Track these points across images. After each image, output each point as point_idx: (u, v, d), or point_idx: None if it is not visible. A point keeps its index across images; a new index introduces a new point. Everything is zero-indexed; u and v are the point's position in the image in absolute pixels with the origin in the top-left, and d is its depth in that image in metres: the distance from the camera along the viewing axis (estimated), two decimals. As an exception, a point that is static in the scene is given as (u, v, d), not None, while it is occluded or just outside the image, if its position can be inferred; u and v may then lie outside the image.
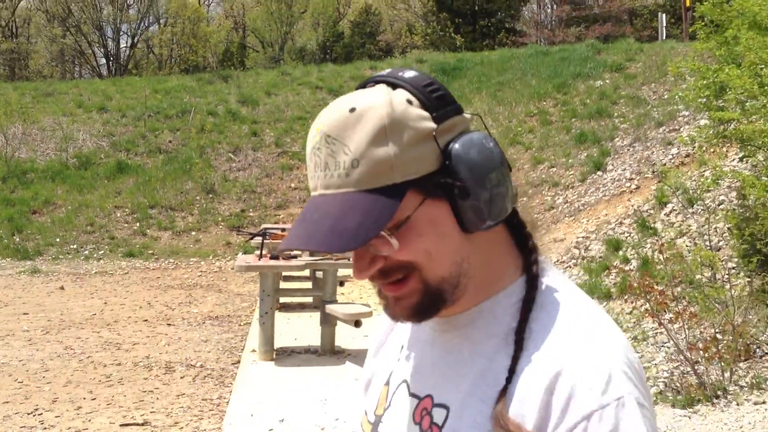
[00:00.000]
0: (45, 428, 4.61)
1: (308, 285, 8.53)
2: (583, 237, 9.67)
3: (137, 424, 4.68)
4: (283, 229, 8.02)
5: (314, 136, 0.87)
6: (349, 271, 9.46)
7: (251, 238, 8.24)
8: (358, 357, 6.41)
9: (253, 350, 6.58)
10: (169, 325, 7.93)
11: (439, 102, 0.87)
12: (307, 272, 8.30)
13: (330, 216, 0.82)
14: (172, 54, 42.36)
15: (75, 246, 13.38)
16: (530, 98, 16.16)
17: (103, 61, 43.54)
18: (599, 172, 11.90)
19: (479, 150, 0.86)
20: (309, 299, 8.64)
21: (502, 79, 17.62)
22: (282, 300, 8.52)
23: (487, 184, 0.86)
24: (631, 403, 0.81)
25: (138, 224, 13.99)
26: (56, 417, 4.83)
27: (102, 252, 13.17)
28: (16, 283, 10.75)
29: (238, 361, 6.41)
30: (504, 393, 0.85)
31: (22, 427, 4.63)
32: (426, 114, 0.85)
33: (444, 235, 0.87)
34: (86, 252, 13.17)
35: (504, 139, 14.87)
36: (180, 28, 40.18)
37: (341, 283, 9.60)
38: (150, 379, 5.76)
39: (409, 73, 0.89)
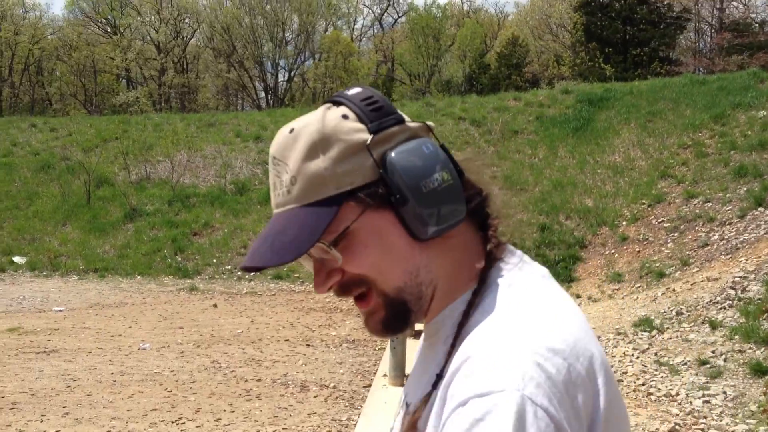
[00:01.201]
0: (188, 435, 4.98)
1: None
2: (740, 277, 9.04)
3: (270, 438, 4.94)
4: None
5: (269, 162, 0.90)
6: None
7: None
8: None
9: (385, 375, 6.71)
10: (308, 345, 8.26)
11: (374, 114, 0.87)
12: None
13: (273, 233, 0.85)
14: (325, 87, 44.30)
15: (229, 267, 14.23)
16: (684, 129, 15.42)
17: (263, 94, 46.39)
18: (760, 208, 11.14)
19: (415, 156, 0.86)
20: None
21: (653, 109, 16.94)
22: (417, 327, 8.61)
23: (424, 189, 0.84)
24: (515, 396, 0.73)
25: (285, 248, 14.66)
26: (197, 427, 5.18)
27: (253, 274, 13.90)
28: (175, 300, 11.60)
29: (370, 385, 6.56)
30: (427, 398, 0.86)
31: (167, 432, 5.03)
32: (361, 126, 0.86)
33: (391, 245, 0.86)
34: (239, 273, 13.96)
35: (654, 171, 14.29)
36: (332, 63, 41.96)
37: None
38: (285, 396, 6.04)
39: (352, 90, 0.90)
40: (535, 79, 30.01)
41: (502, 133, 18.02)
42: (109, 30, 45.90)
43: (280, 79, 46.70)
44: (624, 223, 12.93)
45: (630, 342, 7.89)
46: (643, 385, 6.42)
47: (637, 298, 9.96)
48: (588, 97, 18.58)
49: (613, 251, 12.27)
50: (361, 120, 0.87)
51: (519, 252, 0.96)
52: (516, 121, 18.49)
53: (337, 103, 0.89)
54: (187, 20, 45.38)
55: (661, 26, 27.56)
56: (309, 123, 0.87)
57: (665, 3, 27.85)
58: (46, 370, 6.88)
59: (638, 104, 17.52)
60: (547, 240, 13.15)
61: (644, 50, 26.65)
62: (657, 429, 5.20)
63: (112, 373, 6.75)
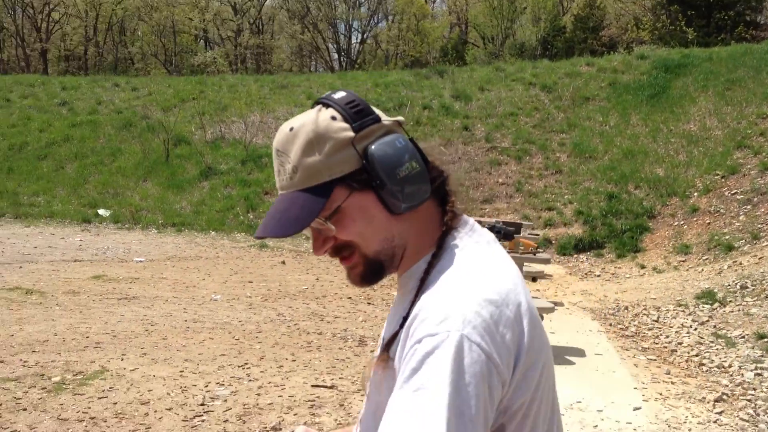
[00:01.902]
0: (250, 380, 5.34)
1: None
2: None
3: (326, 387, 5.25)
4: (480, 222, 8.21)
5: (273, 152, 1.15)
6: (542, 267, 9.52)
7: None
8: (540, 351, 6.54)
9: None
10: (369, 303, 8.58)
11: (357, 115, 1.11)
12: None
13: (279, 210, 1.10)
14: (398, 49, 44.18)
15: (297, 226, 14.68)
16: (764, 98, 14.90)
17: (336, 55, 46.65)
18: (837, 182, 10.80)
19: (389, 150, 1.09)
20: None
21: (733, 77, 16.38)
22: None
23: (398, 175, 1.09)
24: (455, 336, 0.96)
25: (352, 209, 15.01)
26: (261, 372, 5.56)
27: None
28: (246, 255, 12.11)
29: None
30: (394, 337, 1.11)
31: (231, 377, 5.40)
32: (346, 126, 1.10)
33: (372, 218, 1.12)
34: (307, 232, 14.39)
35: (729, 141, 13.91)
36: (406, 25, 41.74)
37: (533, 279, 9.68)
38: (344, 349, 6.36)
39: (338, 95, 1.14)
40: (612, 43, 29.14)
41: (572, 100, 17.77)
42: (188, -9, 46.82)
43: (353, 40, 46.89)
44: (695, 194, 12.70)
45: (690, 314, 7.90)
46: (696, 356, 6.47)
47: (702, 270, 9.87)
48: (665, 63, 18.07)
49: (682, 222, 12.10)
50: (346, 120, 1.11)
51: (471, 221, 1.21)
52: (588, 88, 18.18)
53: (327, 105, 1.14)
54: (263, -19, 45.83)
55: (749, -12, 26.30)
56: (305, 123, 1.12)
57: (754, -36, 26.53)
58: (127, 314, 7.42)
59: (717, 71, 16.95)
60: (614, 209, 13.05)
61: (729, 14, 25.50)
62: (704, 398, 5.28)
63: (186, 320, 7.22)
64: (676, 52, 19.36)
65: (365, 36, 46.41)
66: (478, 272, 1.08)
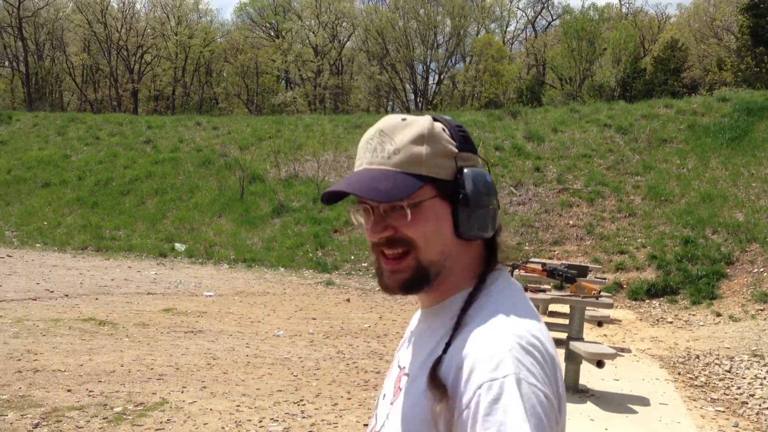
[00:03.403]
0: (304, 417, 5.40)
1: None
2: None
3: (378, 426, 5.28)
4: (544, 264, 8.12)
5: (371, 132, 1.18)
6: (608, 312, 9.26)
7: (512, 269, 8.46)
8: (601, 399, 6.35)
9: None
10: (429, 344, 8.53)
11: (462, 139, 1.19)
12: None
13: (370, 178, 1.13)
14: (474, 90, 44.37)
15: (366, 264, 14.79)
16: None
17: (412, 96, 47.23)
18: None
19: (482, 178, 1.17)
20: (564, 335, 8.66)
21: (820, 120, 15.72)
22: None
23: (483, 202, 1.16)
24: (513, 379, 1.01)
25: (421, 249, 15.01)
26: (315, 409, 5.60)
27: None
28: (312, 292, 12.27)
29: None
30: (438, 361, 1.11)
31: (286, 413, 5.47)
32: (453, 142, 1.18)
33: (441, 228, 1.16)
34: (374, 271, 14.47)
35: (815, 187, 13.29)
36: (483, 66, 41.96)
37: (599, 324, 9.43)
38: (400, 390, 6.36)
39: (448, 117, 1.23)
40: (694, 85, 28.46)
41: (649, 142, 17.39)
42: (272, 34, 48.63)
43: (430, 81, 47.39)
44: (777, 240, 12.16)
45: (765, 365, 7.53)
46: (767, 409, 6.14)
47: (782, 320, 9.40)
48: (747, 106, 17.49)
49: (762, 269, 11.58)
50: (453, 138, 1.19)
51: (506, 271, 1.25)
52: (665, 130, 17.77)
53: (437, 121, 1.22)
54: (344, 24, 47.11)
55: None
56: (419, 120, 1.19)
57: None
58: (191, 348, 7.62)
59: (803, 114, 16.30)
60: (690, 254, 12.61)
61: (817, 55, 24.61)
62: (773, 456, 5.01)
63: (247, 355, 7.36)
64: (760, 94, 18.72)
65: (442, 77, 46.91)
66: (521, 314, 1.14)
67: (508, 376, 1.02)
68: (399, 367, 1.27)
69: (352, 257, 15.05)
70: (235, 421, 5.23)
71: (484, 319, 1.12)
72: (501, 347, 1.06)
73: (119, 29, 45.55)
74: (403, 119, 1.18)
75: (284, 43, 45.21)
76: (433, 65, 46.53)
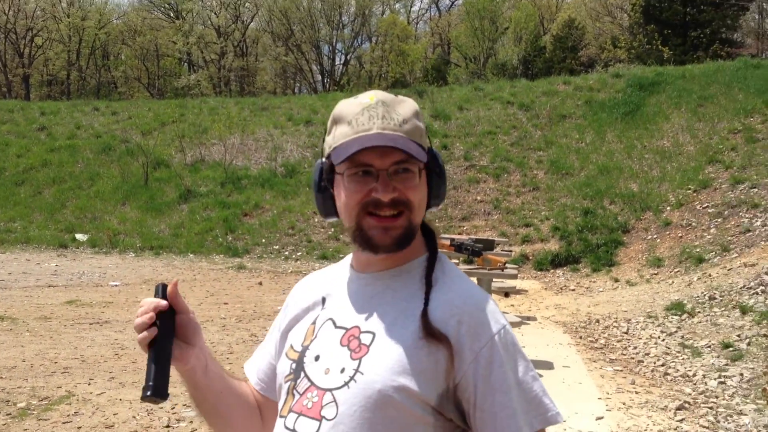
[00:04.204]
0: (218, 399, 5.39)
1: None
2: (778, 264, 9.00)
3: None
4: (452, 240, 8.27)
5: (367, 102, 1.26)
6: (514, 283, 9.57)
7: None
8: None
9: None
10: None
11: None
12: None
13: (399, 140, 1.22)
14: (381, 70, 44.47)
15: (277, 247, 14.71)
16: (735, 114, 15.15)
17: (320, 77, 46.89)
18: (807, 195, 10.97)
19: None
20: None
21: (705, 93, 16.65)
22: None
23: (445, 178, 1.32)
24: (509, 327, 1.24)
25: (333, 230, 15.04)
26: (229, 391, 5.60)
27: (300, 254, 14.35)
28: (223, 277, 12.11)
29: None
30: (425, 313, 1.21)
31: (200, 396, 5.44)
32: None
33: (425, 196, 1.28)
34: (286, 253, 14.43)
35: (702, 156, 14.12)
36: (389, 46, 42.07)
37: (506, 294, 9.76)
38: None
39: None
40: (591, 63, 29.53)
41: (550, 118, 17.97)
42: (171, 15, 47.06)
43: (337, 62, 47.16)
44: (668, 208, 12.86)
45: (659, 325, 7.98)
46: (662, 366, 6.54)
47: (673, 282, 9.98)
48: (639, 82, 18.34)
49: (655, 236, 12.24)
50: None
51: None
52: (565, 106, 18.40)
53: None
54: (246, 4, 46.09)
55: (723, 7, 26.77)
56: (408, 99, 1.31)
57: (728, -17, 27.01)
58: (98, 339, 7.41)
59: (690, 88, 17.23)
60: (589, 224, 13.17)
61: (704, 32, 25.93)
62: (666, 406, 5.35)
63: (157, 343, 7.22)
64: (650, 70, 19.64)
65: (348, 57, 46.73)
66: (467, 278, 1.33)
67: (506, 325, 1.23)
68: (341, 327, 1.28)
69: (263, 240, 14.93)
70: (146, 409, 5.14)
71: (453, 280, 1.28)
72: (490, 303, 1.25)
73: (6, 11, 43.01)
74: (396, 95, 1.29)
75: (185, 24, 43.86)
76: (339, 46, 46.30)
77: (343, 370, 1.22)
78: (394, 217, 1.23)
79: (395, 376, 1.17)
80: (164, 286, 1.30)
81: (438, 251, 1.32)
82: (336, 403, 1.20)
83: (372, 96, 1.26)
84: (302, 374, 1.28)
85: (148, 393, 1.21)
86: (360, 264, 1.34)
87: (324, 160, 1.31)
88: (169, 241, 15.05)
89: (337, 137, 1.26)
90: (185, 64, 48.51)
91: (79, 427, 4.78)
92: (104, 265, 12.90)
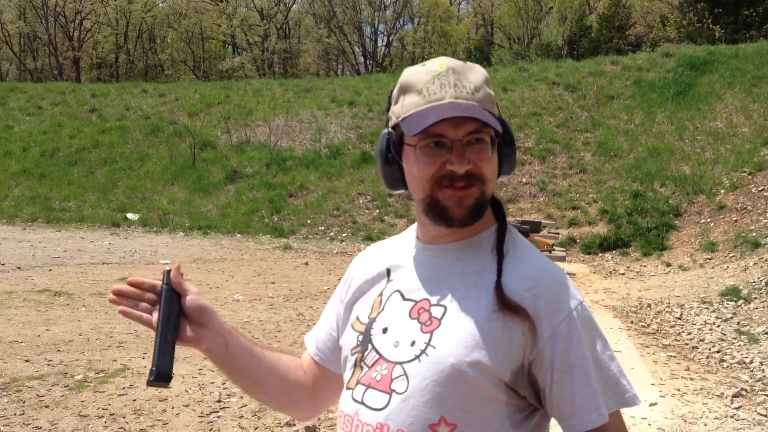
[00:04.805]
0: (270, 376, 5.46)
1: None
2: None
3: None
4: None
5: (437, 69, 1.21)
6: (562, 266, 9.41)
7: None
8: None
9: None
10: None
11: None
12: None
13: (475, 109, 1.17)
14: (424, 51, 44.19)
15: (323, 228, 14.80)
16: (792, 95, 14.68)
17: (362, 59, 46.82)
18: None
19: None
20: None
21: (759, 73, 16.14)
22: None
23: (515, 145, 1.27)
24: (585, 305, 1.21)
25: (377, 211, 15.07)
26: (280, 368, 5.66)
27: (345, 234, 14.41)
28: (270, 257, 12.23)
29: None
30: (499, 284, 1.18)
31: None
32: None
33: (496, 168, 1.23)
34: (331, 234, 14.51)
35: (757, 138, 13.72)
36: (431, 27, 41.75)
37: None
38: (363, 347, 6.44)
39: None
40: (638, 42, 28.84)
41: (597, 99, 17.64)
42: (215, -2, 47.39)
43: (379, 43, 47.00)
44: (722, 191, 12.54)
45: (714, 311, 7.82)
46: (717, 352, 6.41)
47: (728, 267, 9.75)
48: (690, 61, 17.85)
49: (708, 220, 11.95)
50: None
51: None
52: (612, 86, 18.04)
53: None
54: (289, -14, 46.16)
55: (779, -17, 25.82)
56: (477, 66, 1.26)
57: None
58: (150, 315, 7.56)
59: (743, 68, 16.71)
60: (639, 207, 12.93)
61: (757, 10, 25.08)
62: (722, 393, 5.24)
63: (208, 321, 7.34)
64: (702, 49, 19.10)
65: (391, 39, 46.52)
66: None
67: (582, 301, 1.20)
68: (410, 299, 1.25)
69: (309, 221, 15.02)
70: (198, 384, 5.23)
71: (525, 252, 1.24)
72: (566, 278, 1.22)
73: (56, -5, 43.83)
74: (465, 61, 1.24)
75: (228, 7, 44.14)
76: (381, 27, 46.11)
77: (413, 344, 1.20)
78: (466, 187, 1.18)
79: (469, 351, 1.15)
80: (169, 272, 1.29)
81: (507, 222, 1.28)
82: (407, 377, 1.18)
83: (441, 63, 1.21)
84: (370, 346, 1.26)
85: (151, 378, 1.19)
86: (427, 235, 1.29)
87: (390, 130, 1.26)
88: (216, 221, 15.25)
89: (406, 107, 1.21)
90: (229, 46, 48.91)
91: (134, 400, 4.88)
92: (155, 244, 13.14)
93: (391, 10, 45.29)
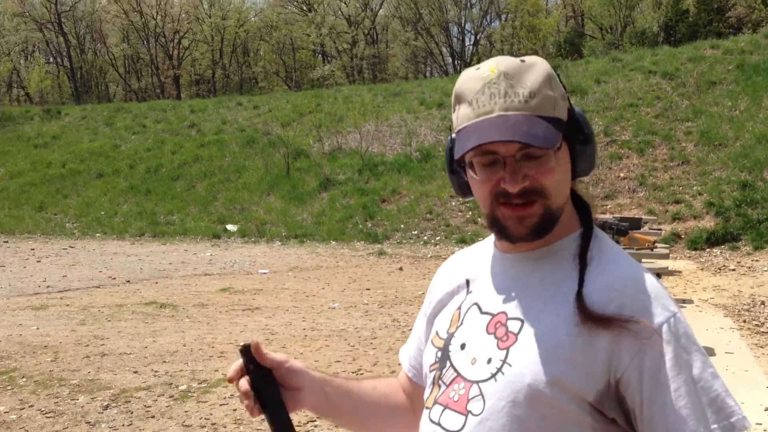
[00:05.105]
0: (365, 384, 5.48)
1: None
2: None
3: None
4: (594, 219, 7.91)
5: (488, 75, 1.09)
6: (665, 263, 9.08)
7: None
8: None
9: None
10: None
11: (559, 77, 1.15)
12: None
13: (522, 125, 1.05)
14: (513, 48, 43.55)
15: (416, 232, 14.81)
16: None
17: (450, 59, 46.62)
18: None
19: (586, 117, 1.15)
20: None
21: None
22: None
23: (594, 141, 1.14)
24: (680, 315, 1.08)
25: (470, 213, 14.94)
26: (376, 377, 5.68)
27: (438, 238, 14.37)
28: (365, 263, 12.35)
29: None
30: (581, 295, 1.07)
31: (348, 381, 5.56)
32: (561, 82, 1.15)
33: (566, 172, 1.12)
34: (425, 237, 14.49)
35: None
36: (519, 22, 41.09)
37: (658, 276, 9.24)
38: (458, 354, 6.37)
39: None
40: (740, 24, 27.35)
41: (697, 85, 16.84)
42: (304, 8, 48.38)
43: (467, 43, 46.67)
44: (840, 177, 11.71)
45: (832, 308, 7.30)
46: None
47: None
48: (798, 40, 16.80)
49: (825, 210, 11.19)
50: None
51: None
52: (713, 71, 17.18)
53: None
54: (375, -8, 46.58)
55: None
56: (538, 62, 1.12)
57: None
58: (250, 324, 7.76)
59: None
60: (749, 198, 12.26)
61: None
62: None
63: (304, 329, 7.46)
64: (812, 26, 17.94)
65: (478, 37, 46.11)
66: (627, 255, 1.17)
67: (677, 313, 1.08)
68: (487, 313, 1.18)
69: (402, 226, 15.06)
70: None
71: (611, 259, 1.12)
72: (657, 287, 1.09)
73: (155, 16, 45.92)
74: (521, 60, 1.12)
75: (317, 16, 44.98)
76: (468, 26, 45.77)
77: (489, 361, 1.12)
78: (526, 205, 1.08)
79: (547, 369, 1.06)
80: (247, 348, 1.24)
81: (594, 226, 1.16)
82: (483, 397, 1.11)
83: (493, 68, 1.10)
84: (448, 363, 1.19)
85: None
86: (503, 245, 1.20)
87: (454, 136, 1.18)
88: (311, 229, 15.54)
89: (460, 119, 1.13)
90: (319, 55, 49.81)
91: (235, 409, 5.01)
92: (253, 254, 13.53)
93: (477, 8, 44.91)
